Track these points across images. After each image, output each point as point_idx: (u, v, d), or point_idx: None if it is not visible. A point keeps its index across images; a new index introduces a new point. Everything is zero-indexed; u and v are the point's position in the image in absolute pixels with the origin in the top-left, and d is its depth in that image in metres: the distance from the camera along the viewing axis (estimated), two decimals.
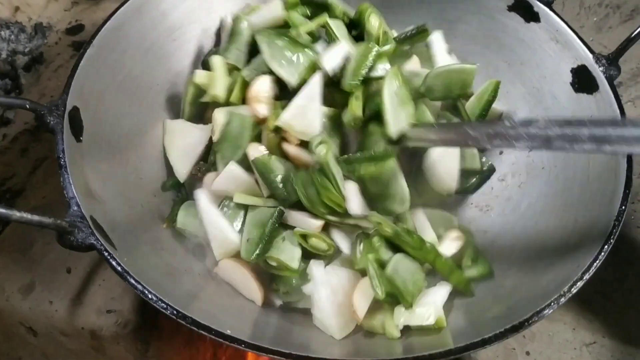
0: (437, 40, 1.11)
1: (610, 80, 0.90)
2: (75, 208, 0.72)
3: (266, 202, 0.91)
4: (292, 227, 0.90)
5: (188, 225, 0.92)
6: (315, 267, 0.85)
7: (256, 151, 0.91)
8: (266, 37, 0.96)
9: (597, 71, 0.91)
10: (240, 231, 0.91)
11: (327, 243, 0.88)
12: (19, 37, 1.46)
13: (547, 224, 0.90)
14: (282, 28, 1.01)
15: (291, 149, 0.91)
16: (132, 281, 0.69)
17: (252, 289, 0.88)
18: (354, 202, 0.85)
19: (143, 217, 0.91)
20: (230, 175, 0.91)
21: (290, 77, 0.93)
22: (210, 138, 0.98)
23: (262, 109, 0.93)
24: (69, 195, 0.73)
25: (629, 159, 0.83)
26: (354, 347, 0.80)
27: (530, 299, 0.75)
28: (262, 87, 0.95)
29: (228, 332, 0.68)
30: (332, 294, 0.83)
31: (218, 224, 0.90)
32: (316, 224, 0.87)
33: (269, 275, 0.91)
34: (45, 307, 0.98)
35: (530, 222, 0.94)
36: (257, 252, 0.85)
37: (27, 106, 0.79)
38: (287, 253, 0.87)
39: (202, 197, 0.91)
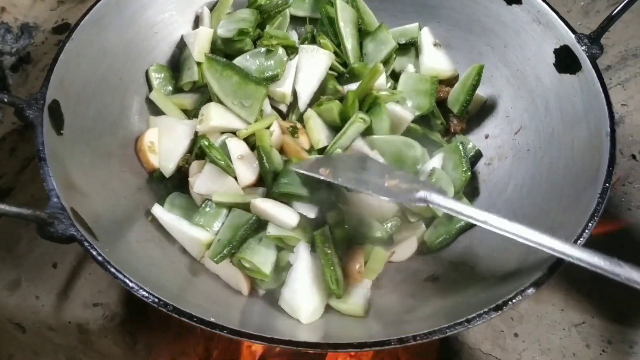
0: (424, 34, 1.12)
1: (593, 59, 0.90)
2: (55, 200, 0.72)
3: (245, 199, 0.90)
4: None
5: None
6: (303, 249, 0.86)
7: (237, 147, 0.93)
8: (213, 72, 0.96)
9: (580, 51, 0.91)
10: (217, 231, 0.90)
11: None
12: (6, 37, 1.46)
13: (533, 205, 0.90)
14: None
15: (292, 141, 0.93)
16: (113, 270, 0.69)
17: (239, 280, 0.88)
18: None
19: (127, 209, 0.91)
20: (210, 175, 0.91)
21: (247, 119, 0.97)
22: (196, 132, 0.99)
23: None
24: (48, 187, 0.73)
25: (612, 137, 0.82)
26: (332, 331, 0.81)
27: (515, 279, 0.75)
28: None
29: (211, 319, 0.68)
30: (309, 278, 0.83)
31: (182, 229, 0.90)
32: (292, 219, 0.87)
33: None
34: (32, 302, 0.98)
35: (517, 204, 0.93)
36: (223, 253, 0.85)
37: (5, 100, 0.79)
38: (261, 256, 0.86)
39: (158, 211, 0.92)
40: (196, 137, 0.98)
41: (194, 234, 0.89)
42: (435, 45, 1.10)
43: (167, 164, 0.98)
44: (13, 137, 1.33)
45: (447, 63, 1.10)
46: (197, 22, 1.10)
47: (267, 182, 0.90)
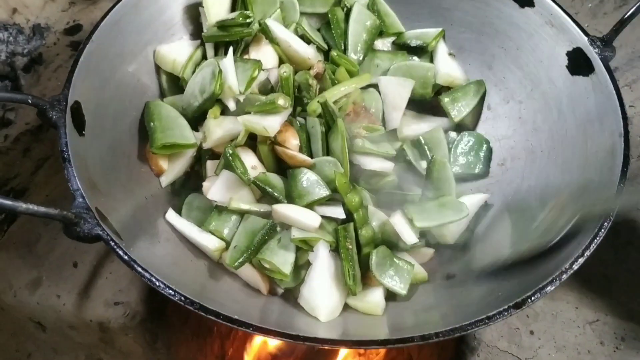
0: (440, 44, 1.12)
1: (606, 61, 0.91)
2: (81, 200, 0.73)
3: (260, 207, 0.91)
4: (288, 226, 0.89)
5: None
6: (322, 248, 0.86)
7: (249, 159, 0.93)
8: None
9: (593, 53, 0.92)
10: (231, 237, 0.91)
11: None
12: (18, 38, 1.47)
13: (547, 205, 0.91)
14: None
15: (288, 151, 0.92)
16: (140, 269, 0.70)
17: (258, 280, 0.89)
18: None
19: (147, 209, 0.92)
20: (225, 183, 0.91)
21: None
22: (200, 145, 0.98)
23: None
24: (73, 187, 0.73)
25: (626, 138, 0.84)
26: (350, 329, 0.82)
27: (532, 277, 0.76)
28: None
29: (236, 317, 0.69)
30: (328, 277, 0.85)
31: (193, 237, 0.90)
32: (314, 221, 0.87)
33: None
34: (53, 301, 0.98)
35: (531, 204, 0.94)
36: (241, 260, 0.86)
37: (30, 101, 0.79)
38: (281, 257, 0.87)
39: (172, 217, 0.92)
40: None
41: (203, 241, 0.89)
42: (449, 54, 1.11)
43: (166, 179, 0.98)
44: (26, 137, 1.33)
45: (461, 72, 1.10)
46: None
47: (282, 202, 0.91)
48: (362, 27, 1.07)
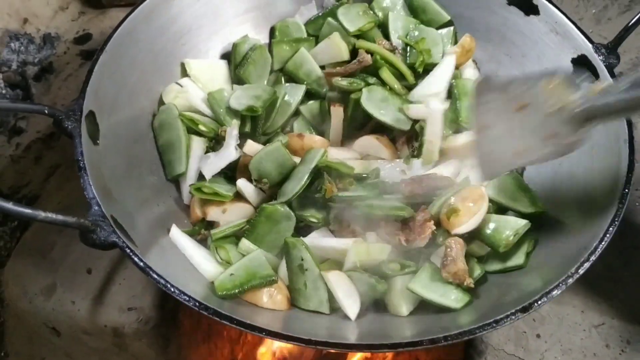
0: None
1: (610, 68, 0.92)
2: (96, 208, 0.74)
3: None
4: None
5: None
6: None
7: None
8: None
9: (597, 60, 0.93)
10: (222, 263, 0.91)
11: None
12: (28, 48, 1.49)
13: (553, 210, 0.92)
14: None
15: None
16: (155, 276, 0.71)
17: (279, 304, 0.86)
18: None
19: (160, 216, 0.93)
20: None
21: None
22: None
23: None
24: (89, 195, 0.75)
25: (631, 144, 0.85)
26: (367, 330, 0.82)
27: (538, 282, 0.77)
28: None
29: (248, 322, 0.70)
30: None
31: (196, 259, 0.89)
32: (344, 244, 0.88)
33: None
34: (68, 307, 1.00)
35: None
36: (230, 293, 0.83)
37: (46, 111, 0.81)
38: (315, 299, 0.85)
39: (177, 234, 0.91)
40: None
41: (200, 265, 0.88)
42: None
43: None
44: (38, 145, 1.36)
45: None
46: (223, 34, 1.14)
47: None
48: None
